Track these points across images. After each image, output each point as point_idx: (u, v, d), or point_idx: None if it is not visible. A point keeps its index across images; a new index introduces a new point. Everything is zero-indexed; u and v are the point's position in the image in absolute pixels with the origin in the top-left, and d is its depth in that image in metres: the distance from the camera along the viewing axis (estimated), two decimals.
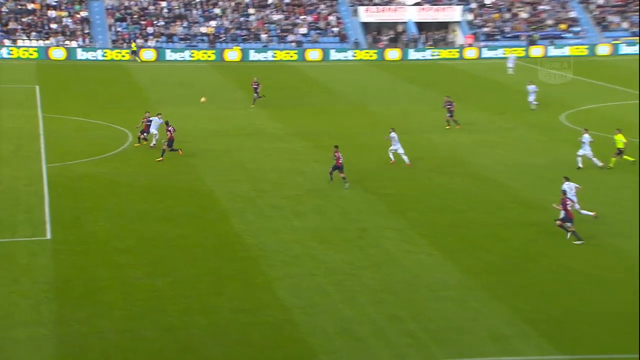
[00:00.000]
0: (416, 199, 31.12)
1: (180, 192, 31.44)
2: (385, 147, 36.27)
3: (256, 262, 24.31)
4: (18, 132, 41.27)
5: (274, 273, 23.45)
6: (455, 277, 23.34)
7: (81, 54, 70.27)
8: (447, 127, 43.92)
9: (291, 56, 73.47)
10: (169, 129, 35.75)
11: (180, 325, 19.99)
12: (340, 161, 32.03)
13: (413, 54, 75.48)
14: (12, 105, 48.65)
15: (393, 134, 35.99)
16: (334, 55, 74.33)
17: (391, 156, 36.06)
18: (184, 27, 75.64)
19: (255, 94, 50.13)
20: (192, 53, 71.98)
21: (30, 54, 69.31)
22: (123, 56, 70.28)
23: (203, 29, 75.64)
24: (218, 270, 23.66)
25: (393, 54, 75.28)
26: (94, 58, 70.08)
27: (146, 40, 73.72)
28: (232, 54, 72.59)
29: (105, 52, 70.36)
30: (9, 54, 69.22)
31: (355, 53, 74.83)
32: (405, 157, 35.54)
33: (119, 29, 74.53)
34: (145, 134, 37.97)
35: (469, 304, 21.59)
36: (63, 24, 73.84)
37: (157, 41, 73.76)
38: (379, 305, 21.37)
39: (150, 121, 37.72)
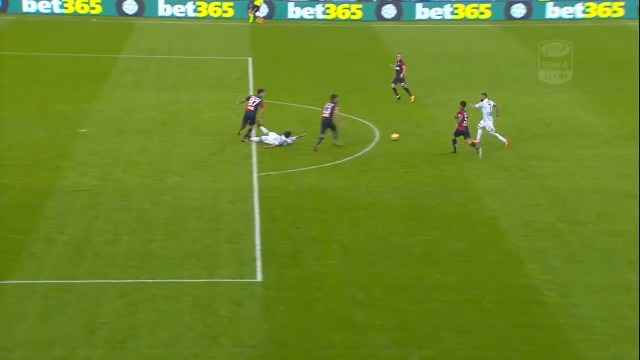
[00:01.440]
0: None
1: (449, 220, 31.61)
2: None
3: (566, 334, 23.90)
4: (221, 125, 43.44)
5: (596, 354, 22.97)
6: None
7: (294, 11, 73.50)
8: None
9: (614, 11, 71.67)
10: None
11: None
12: (465, 123, 36.03)
13: None
14: (213, 86, 51.56)
15: (485, 102, 38.09)
16: None
17: (500, 137, 38.62)
18: None
19: (402, 82, 47.21)
20: (456, 8, 72.74)
21: (224, 11, 73.56)
22: (353, 13, 72.08)
23: None
24: (504, 342, 23.46)
25: None
26: (310, 16, 72.56)
27: None
28: (518, 9, 73.58)
29: (327, 8, 72.70)
30: (196, 10, 73.76)
31: None
32: (500, 137, 38.48)
33: None
34: (249, 124, 39.34)
35: None
36: None
37: None
38: None
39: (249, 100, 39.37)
